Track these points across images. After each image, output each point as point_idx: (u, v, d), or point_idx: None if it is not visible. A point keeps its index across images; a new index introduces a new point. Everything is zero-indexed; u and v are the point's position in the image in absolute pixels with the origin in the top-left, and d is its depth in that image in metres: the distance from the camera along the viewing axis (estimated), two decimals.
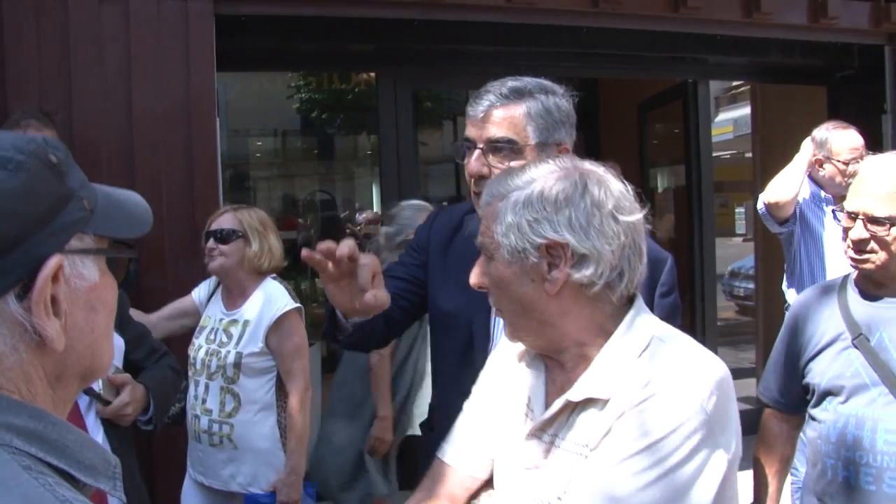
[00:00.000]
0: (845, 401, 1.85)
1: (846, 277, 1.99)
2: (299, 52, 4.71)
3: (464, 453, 1.45)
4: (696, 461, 1.14)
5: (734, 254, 12.74)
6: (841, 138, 3.49)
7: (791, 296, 3.70)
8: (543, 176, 1.26)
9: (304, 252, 1.44)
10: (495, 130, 1.73)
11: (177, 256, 3.78)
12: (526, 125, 1.73)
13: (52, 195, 0.82)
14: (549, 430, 1.28)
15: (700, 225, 5.71)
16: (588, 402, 1.23)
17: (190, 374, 2.90)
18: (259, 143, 13.35)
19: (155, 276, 3.72)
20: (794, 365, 2.01)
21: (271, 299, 2.85)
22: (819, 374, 1.93)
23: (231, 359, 2.79)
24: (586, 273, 1.22)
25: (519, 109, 1.73)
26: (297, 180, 14.68)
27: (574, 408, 1.25)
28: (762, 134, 6.36)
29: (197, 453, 2.89)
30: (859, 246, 1.85)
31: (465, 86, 7.44)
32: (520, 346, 1.39)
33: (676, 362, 1.21)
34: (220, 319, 2.91)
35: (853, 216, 1.87)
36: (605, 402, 1.21)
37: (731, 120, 18.47)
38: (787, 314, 2.12)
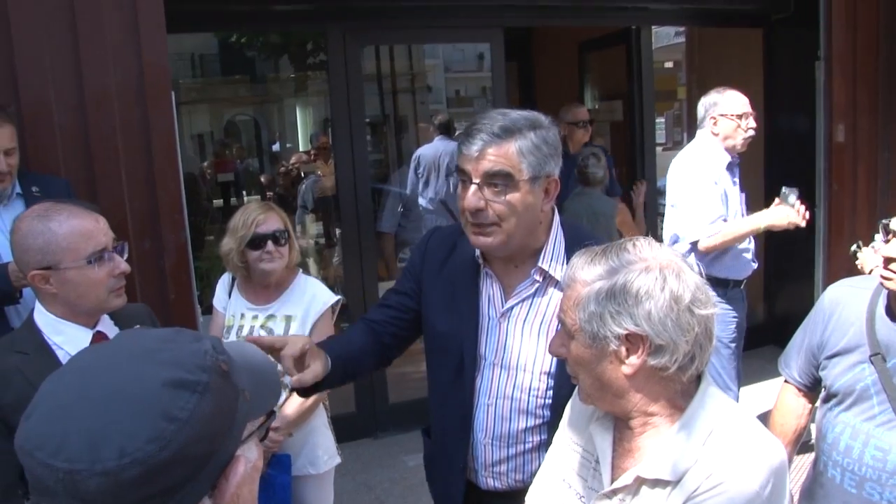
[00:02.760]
0: (847, 409, 1.99)
1: (881, 287, 2.00)
2: (244, 12, 4.56)
3: (543, 499, 1.62)
4: None
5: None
6: (729, 95, 3.79)
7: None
8: (626, 267, 1.35)
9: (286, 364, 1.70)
10: (491, 166, 1.80)
11: (141, 236, 3.73)
12: (520, 161, 1.80)
13: (231, 404, 0.86)
14: (619, 494, 1.42)
15: (643, 157, 6.03)
16: (656, 481, 1.36)
17: None
18: (176, 67, 12.83)
19: None
20: (814, 354, 2.13)
21: (317, 294, 2.89)
22: (832, 377, 2.03)
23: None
24: (662, 360, 1.33)
25: (511, 147, 1.79)
26: (217, 104, 14.25)
27: (643, 481, 1.38)
28: (698, 73, 6.51)
29: None
30: (888, 264, 1.90)
31: (411, 39, 7.35)
32: None
33: (738, 453, 1.32)
34: (254, 316, 2.89)
35: (894, 234, 1.92)
36: (671, 483, 1.34)
37: None
38: (820, 301, 2.16)
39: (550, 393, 1.91)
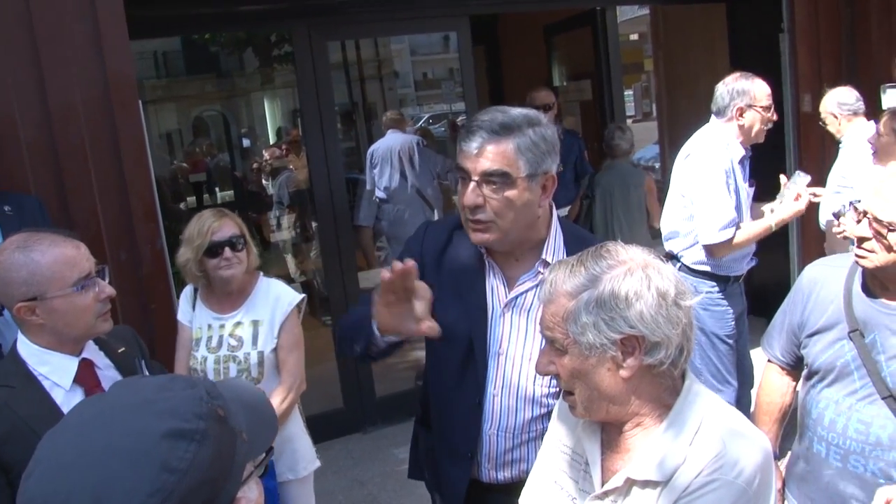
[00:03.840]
0: (830, 385, 2.03)
1: (856, 265, 2.03)
2: (207, 14, 4.50)
3: (536, 501, 1.63)
4: None
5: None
6: (760, 86, 3.61)
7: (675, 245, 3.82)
8: (608, 273, 1.37)
9: (384, 273, 1.66)
10: (489, 164, 1.83)
11: (117, 247, 3.70)
12: (517, 159, 1.83)
13: (230, 448, 0.87)
14: (610, 496, 1.45)
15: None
16: (646, 482, 1.39)
17: None
18: (140, 66, 12.64)
19: None
20: (795, 333, 2.17)
21: (281, 295, 2.91)
22: (813, 354, 2.08)
23: (254, 359, 2.82)
24: (657, 357, 1.36)
25: (510, 145, 1.82)
26: (183, 101, 14.10)
27: (633, 482, 1.41)
28: (664, 50, 6.54)
29: None
30: (861, 243, 1.94)
31: (376, 33, 7.31)
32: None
33: (726, 451, 1.35)
34: (221, 325, 2.89)
35: (864, 213, 1.95)
36: (661, 483, 1.37)
37: None
38: (798, 281, 2.20)
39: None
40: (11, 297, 1.82)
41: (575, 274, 1.40)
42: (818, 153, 5.23)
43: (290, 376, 2.89)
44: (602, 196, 5.32)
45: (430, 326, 1.67)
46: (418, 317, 1.67)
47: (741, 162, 3.62)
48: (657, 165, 10.77)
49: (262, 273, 3.01)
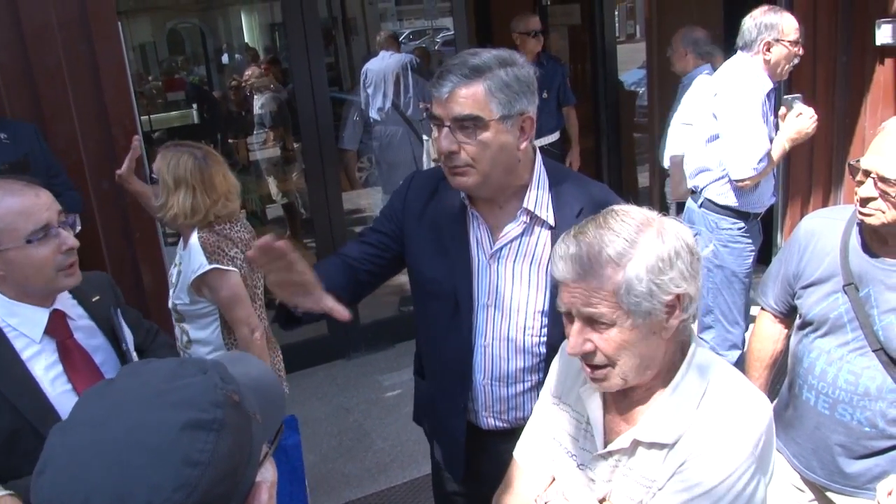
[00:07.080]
0: (823, 336, 2.07)
1: (854, 219, 2.04)
2: None
3: (533, 455, 1.65)
4: (746, 494, 1.35)
5: None
6: (789, 20, 3.57)
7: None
8: (639, 237, 1.34)
9: (250, 253, 1.60)
10: (460, 109, 1.80)
11: (99, 176, 3.63)
12: (488, 101, 1.80)
13: (247, 433, 0.85)
14: (614, 455, 1.46)
15: (604, 56, 6.09)
16: (652, 443, 1.41)
17: None
18: None
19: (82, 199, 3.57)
20: (790, 283, 2.20)
21: (191, 257, 2.80)
22: (807, 305, 2.11)
23: (169, 304, 2.90)
24: (690, 311, 1.38)
25: (480, 87, 1.79)
26: (158, 12, 13.60)
27: (639, 443, 1.43)
28: None
29: None
30: (865, 203, 1.94)
31: None
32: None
33: (731, 416, 1.37)
34: (178, 262, 2.90)
35: (866, 173, 1.94)
36: (668, 445, 1.39)
37: None
38: (795, 232, 2.21)
39: (545, 331, 1.95)
40: None
41: (606, 243, 1.34)
42: (809, 87, 5.16)
43: (239, 330, 2.82)
44: None
45: (332, 307, 1.67)
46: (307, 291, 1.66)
47: (768, 95, 3.59)
48: (642, 90, 10.64)
49: (197, 228, 2.81)
